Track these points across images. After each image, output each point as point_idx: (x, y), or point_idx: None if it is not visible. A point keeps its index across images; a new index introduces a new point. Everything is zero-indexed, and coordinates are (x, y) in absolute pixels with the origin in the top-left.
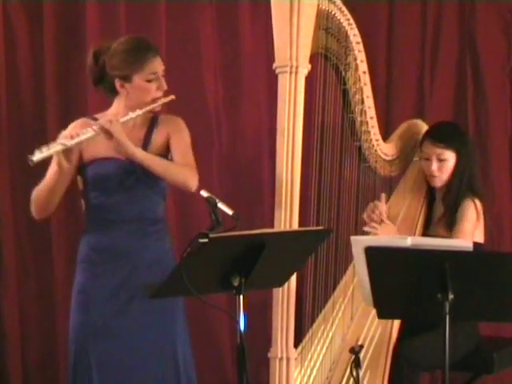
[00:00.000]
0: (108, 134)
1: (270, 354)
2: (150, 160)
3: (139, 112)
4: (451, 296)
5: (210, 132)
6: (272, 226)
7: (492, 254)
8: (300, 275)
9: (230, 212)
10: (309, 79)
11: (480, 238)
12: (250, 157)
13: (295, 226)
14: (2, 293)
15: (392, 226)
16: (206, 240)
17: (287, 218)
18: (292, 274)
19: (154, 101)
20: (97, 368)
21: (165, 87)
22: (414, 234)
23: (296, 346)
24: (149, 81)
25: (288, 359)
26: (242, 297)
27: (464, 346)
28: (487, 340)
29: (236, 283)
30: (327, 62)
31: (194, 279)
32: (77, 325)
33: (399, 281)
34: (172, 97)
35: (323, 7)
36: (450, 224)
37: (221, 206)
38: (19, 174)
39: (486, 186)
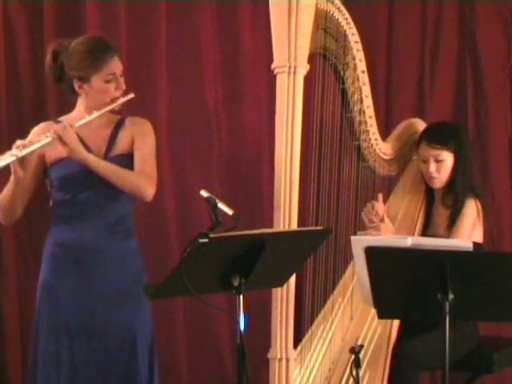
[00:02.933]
0: (62, 140)
1: (269, 355)
2: (102, 167)
3: (96, 114)
4: (451, 296)
5: (210, 132)
6: (272, 226)
7: (492, 254)
8: (299, 275)
9: (230, 212)
10: (307, 79)
11: (479, 238)
12: (249, 157)
13: (294, 226)
14: (2, 293)
15: (390, 226)
16: (206, 240)
17: (286, 218)
18: (292, 274)
19: (113, 101)
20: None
21: (123, 87)
22: (414, 234)
23: (295, 345)
24: (107, 81)
25: (287, 360)
26: (241, 297)
27: (464, 345)
28: (487, 340)
29: (236, 283)
30: (326, 61)
31: (194, 279)
32: (44, 318)
33: (399, 281)
34: (132, 95)
35: (321, 7)
36: (452, 224)
37: (221, 205)
38: None
39: (486, 185)
